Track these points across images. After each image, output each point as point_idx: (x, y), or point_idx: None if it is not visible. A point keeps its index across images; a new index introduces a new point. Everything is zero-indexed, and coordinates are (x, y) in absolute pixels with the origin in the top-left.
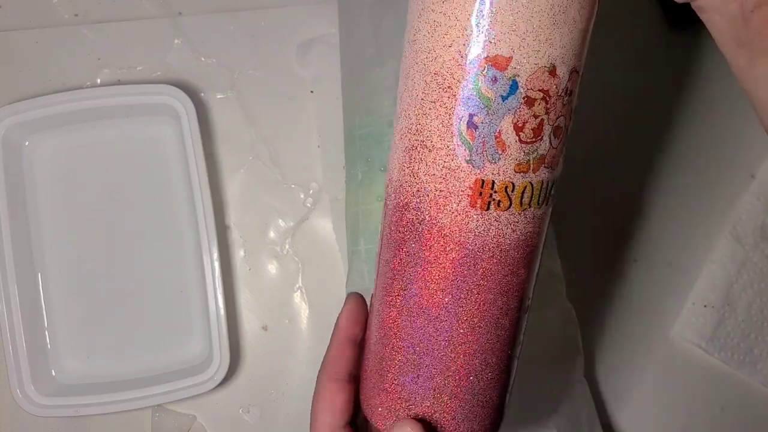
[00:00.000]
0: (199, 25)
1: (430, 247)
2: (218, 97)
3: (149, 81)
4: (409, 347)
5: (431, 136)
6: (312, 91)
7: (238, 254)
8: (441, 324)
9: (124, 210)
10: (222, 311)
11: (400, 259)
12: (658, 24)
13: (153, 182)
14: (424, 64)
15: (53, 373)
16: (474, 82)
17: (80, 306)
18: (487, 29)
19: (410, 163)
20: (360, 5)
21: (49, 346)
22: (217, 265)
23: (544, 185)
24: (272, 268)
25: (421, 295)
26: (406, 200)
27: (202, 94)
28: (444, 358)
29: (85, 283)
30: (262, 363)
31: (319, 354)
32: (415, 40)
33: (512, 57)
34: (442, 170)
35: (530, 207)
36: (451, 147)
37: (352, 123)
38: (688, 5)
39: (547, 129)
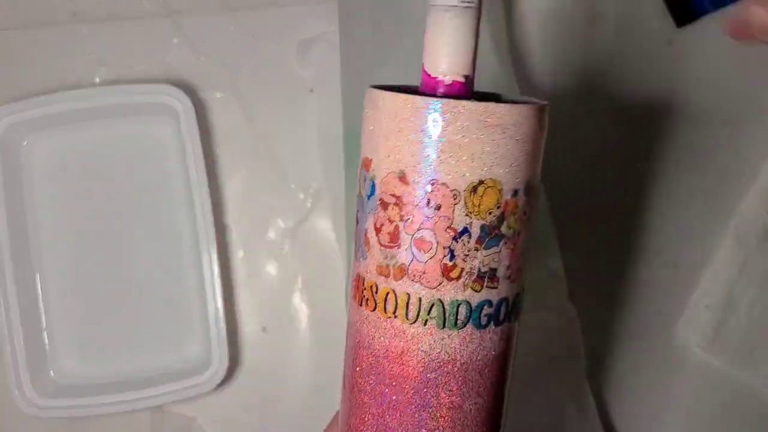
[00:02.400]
0: (198, 24)
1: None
2: (217, 96)
3: (148, 80)
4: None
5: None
6: (312, 91)
7: (237, 254)
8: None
9: (123, 210)
10: (221, 312)
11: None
12: (663, 22)
13: (152, 182)
14: None
15: (51, 374)
16: (358, 180)
17: (79, 306)
18: (363, 132)
19: None
20: (360, 4)
21: (47, 346)
22: (216, 265)
23: (413, 300)
24: (272, 268)
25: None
26: None
27: (201, 94)
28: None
29: (84, 284)
30: (262, 364)
31: (319, 354)
32: None
33: (372, 159)
34: (352, 259)
35: (396, 317)
36: (352, 240)
37: (352, 122)
38: (689, 4)
39: (405, 237)
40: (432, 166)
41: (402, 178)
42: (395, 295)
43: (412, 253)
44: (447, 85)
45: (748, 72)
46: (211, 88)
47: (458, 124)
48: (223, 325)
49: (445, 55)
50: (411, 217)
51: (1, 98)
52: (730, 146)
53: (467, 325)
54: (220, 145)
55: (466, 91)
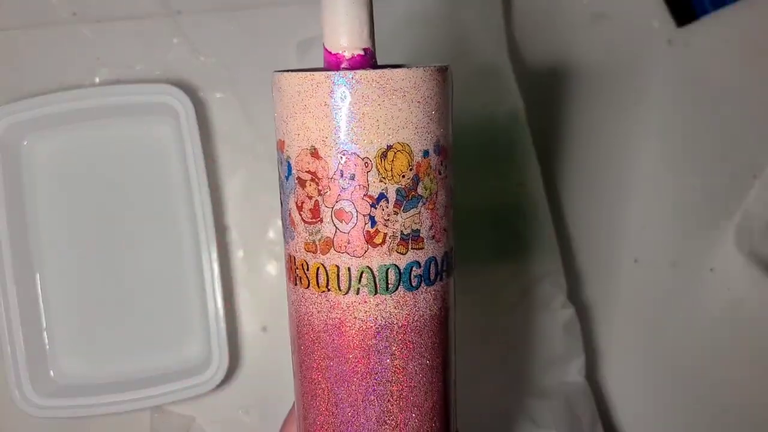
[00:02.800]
0: (198, 24)
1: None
2: (217, 96)
3: (148, 80)
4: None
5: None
6: None
7: (237, 254)
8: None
9: (123, 210)
10: (221, 312)
11: None
12: (663, 22)
13: (152, 182)
14: None
15: (51, 374)
16: (278, 163)
17: (79, 306)
18: (274, 116)
19: None
20: None
21: (47, 346)
22: (216, 265)
23: (343, 271)
24: (271, 268)
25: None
26: None
27: (201, 94)
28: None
29: (84, 284)
30: (262, 364)
31: None
32: None
33: (284, 140)
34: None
35: (329, 290)
36: (282, 224)
37: None
38: (689, 4)
39: (326, 211)
40: (340, 138)
41: (314, 153)
42: (325, 269)
43: (335, 225)
44: (348, 59)
45: (748, 72)
46: (211, 88)
47: (359, 92)
48: (223, 324)
49: (344, 30)
50: (328, 190)
51: (1, 98)
52: (732, 146)
53: (398, 288)
54: (220, 144)
55: (368, 63)
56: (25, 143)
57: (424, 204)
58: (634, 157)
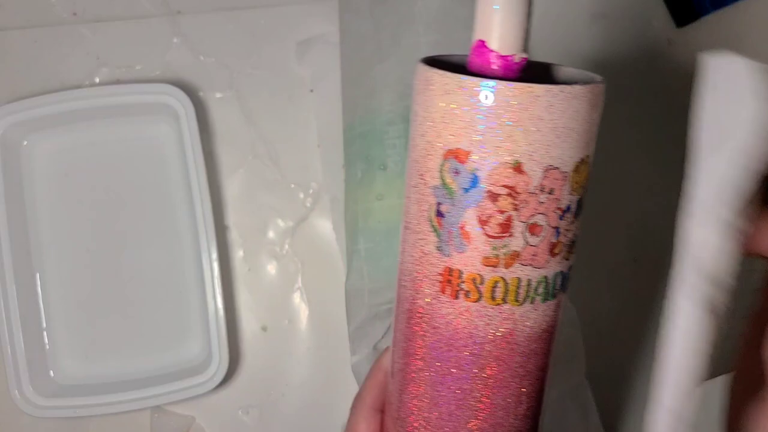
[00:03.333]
0: (198, 24)
1: (411, 323)
2: (217, 96)
3: (148, 80)
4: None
5: (411, 218)
6: (312, 90)
7: (237, 254)
8: (426, 403)
9: (123, 210)
10: (221, 312)
11: (397, 328)
12: (663, 22)
13: (152, 182)
14: (409, 150)
15: (51, 374)
16: (440, 171)
17: (79, 306)
18: (448, 122)
19: (401, 241)
20: (360, 3)
21: (47, 346)
22: (216, 265)
23: (524, 283)
24: (271, 268)
25: (409, 369)
26: (399, 275)
27: (201, 94)
28: None
29: (84, 284)
30: (262, 364)
31: (319, 354)
32: (410, 124)
33: (470, 151)
34: (418, 253)
35: (505, 303)
36: (424, 232)
37: (352, 121)
38: (689, 4)
39: (518, 226)
40: (547, 152)
41: (516, 167)
42: (505, 282)
43: (525, 239)
44: (515, 63)
45: None
46: (211, 88)
47: (573, 108)
48: (223, 324)
49: (518, 31)
50: (525, 205)
51: (1, 98)
52: None
53: (560, 293)
54: (220, 144)
55: (521, 69)
56: (26, 143)
57: (583, 212)
58: (634, 157)
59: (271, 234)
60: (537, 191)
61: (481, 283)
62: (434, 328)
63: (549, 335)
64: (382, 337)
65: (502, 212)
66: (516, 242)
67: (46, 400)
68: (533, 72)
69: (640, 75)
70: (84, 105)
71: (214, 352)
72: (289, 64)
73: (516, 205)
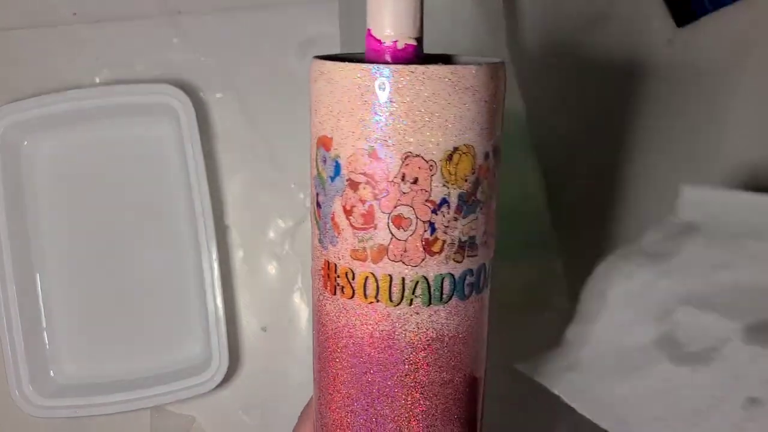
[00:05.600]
0: (198, 24)
1: (313, 320)
2: (217, 96)
3: (148, 80)
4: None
5: (309, 213)
6: None
7: (237, 254)
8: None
9: (123, 210)
10: (221, 312)
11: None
12: (663, 22)
13: (152, 182)
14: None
15: (52, 374)
16: (315, 161)
17: (79, 306)
18: (317, 109)
19: None
20: (361, 4)
21: (47, 346)
22: (216, 265)
23: (396, 281)
24: (272, 268)
25: (313, 369)
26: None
27: (201, 94)
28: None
29: (84, 284)
30: (262, 364)
31: None
32: None
33: (332, 137)
34: (312, 247)
35: (378, 301)
36: (312, 225)
37: None
38: (689, 4)
39: (381, 216)
40: (404, 139)
41: (372, 154)
42: (375, 278)
43: (391, 232)
44: (400, 50)
45: (747, 72)
46: (211, 88)
47: (430, 90)
48: (223, 324)
49: (396, 16)
50: (386, 194)
51: (1, 98)
52: (731, 145)
53: (452, 299)
54: (220, 145)
55: (417, 54)
56: (26, 143)
57: (481, 209)
58: (634, 157)
59: (271, 234)
60: (397, 180)
61: (353, 278)
62: (323, 325)
63: (443, 346)
64: None
65: (363, 202)
66: (381, 235)
67: (46, 400)
68: (433, 62)
69: (639, 75)
70: (84, 105)
71: (214, 352)
72: (289, 65)
73: (376, 194)
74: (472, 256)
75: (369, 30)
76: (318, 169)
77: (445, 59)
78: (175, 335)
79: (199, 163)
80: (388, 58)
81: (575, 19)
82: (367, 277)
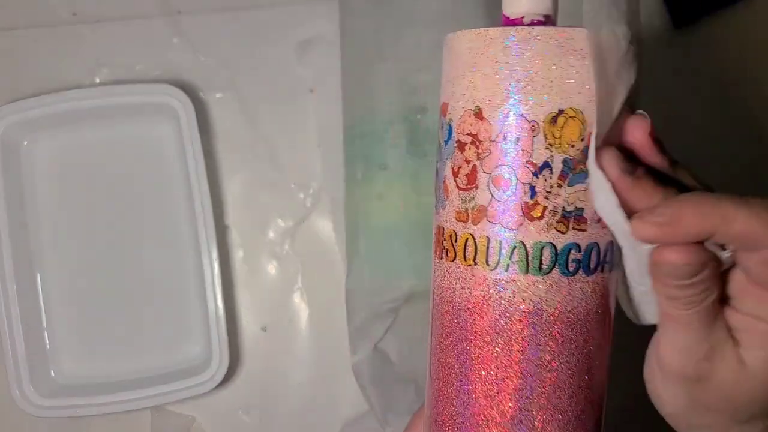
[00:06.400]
0: (197, 24)
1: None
2: (217, 96)
3: (148, 80)
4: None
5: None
6: (312, 90)
7: (238, 254)
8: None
9: (123, 210)
10: (221, 312)
11: None
12: (662, 24)
13: (152, 182)
14: None
15: (52, 374)
16: (440, 130)
17: (79, 306)
18: (441, 80)
19: None
20: (360, 4)
21: (48, 346)
22: (216, 265)
23: (494, 244)
24: (272, 268)
25: (429, 342)
26: None
27: (201, 94)
28: (461, 396)
29: (84, 284)
30: (262, 363)
31: (319, 354)
32: None
33: (448, 102)
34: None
35: (476, 264)
36: (433, 195)
37: (352, 122)
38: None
39: (483, 177)
40: (509, 98)
41: (478, 114)
42: (474, 240)
43: (490, 192)
44: (528, 24)
45: (747, 73)
46: (211, 88)
47: (534, 51)
48: (223, 324)
49: None
50: (488, 154)
51: (1, 98)
52: (731, 146)
53: (552, 271)
54: (220, 144)
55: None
56: (26, 143)
57: (588, 180)
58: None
59: (271, 234)
60: (499, 139)
61: (456, 240)
62: (432, 293)
63: (540, 322)
64: (383, 337)
65: (468, 162)
66: (482, 195)
67: (46, 400)
68: None
69: (639, 75)
70: (84, 105)
71: (214, 352)
72: (289, 65)
73: (479, 153)
74: (578, 230)
75: (503, 12)
76: (438, 137)
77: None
78: (175, 335)
79: (199, 162)
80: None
81: (574, 19)
82: (467, 239)
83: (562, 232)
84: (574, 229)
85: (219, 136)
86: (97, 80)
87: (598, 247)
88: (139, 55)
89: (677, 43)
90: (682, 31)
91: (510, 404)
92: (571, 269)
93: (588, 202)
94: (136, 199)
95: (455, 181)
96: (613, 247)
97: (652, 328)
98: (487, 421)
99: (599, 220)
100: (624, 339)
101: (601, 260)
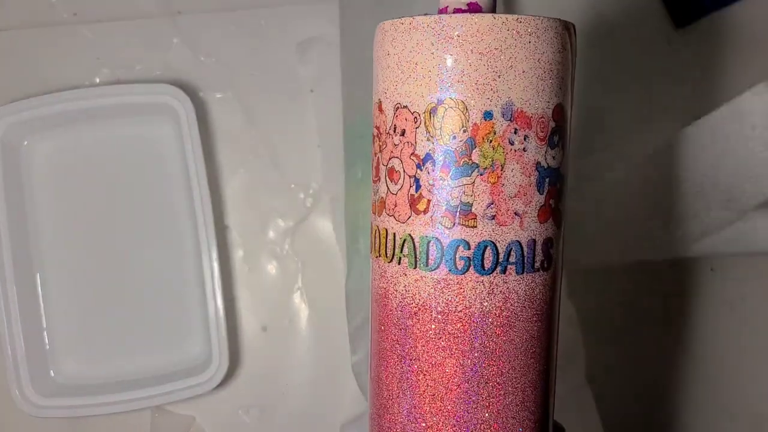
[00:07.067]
0: (198, 24)
1: None
2: (217, 96)
3: (148, 80)
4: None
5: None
6: (312, 91)
7: (238, 254)
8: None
9: (123, 210)
10: (221, 312)
11: None
12: (662, 23)
13: (152, 182)
14: None
15: (52, 374)
16: None
17: (79, 307)
18: None
19: None
20: (361, 4)
21: (47, 346)
22: (216, 265)
23: (389, 236)
24: (272, 268)
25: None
26: None
27: (201, 94)
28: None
29: (84, 284)
30: (262, 363)
31: (319, 354)
32: None
33: (372, 100)
34: None
35: (380, 257)
36: None
37: (352, 121)
38: (688, 6)
39: (382, 169)
40: (396, 90)
41: (379, 106)
42: (377, 231)
43: (386, 184)
44: (454, 10)
45: (747, 73)
46: (212, 88)
47: (414, 39)
48: (223, 324)
49: None
50: (384, 146)
51: (1, 98)
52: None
53: (439, 267)
54: (221, 145)
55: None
56: (26, 143)
57: (480, 174)
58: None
59: (271, 234)
60: (392, 131)
61: (371, 232)
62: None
63: (428, 318)
64: None
65: (375, 155)
66: (382, 188)
67: (46, 400)
68: None
69: (638, 76)
70: (84, 105)
71: (214, 352)
72: (289, 65)
73: (380, 146)
74: (466, 226)
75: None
76: None
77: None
78: (175, 335)
79: (199, 162)
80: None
81: (573, 20)
82: (375, 230)
83: (447, 227)
84: (461, 224)
85: (219, 136)
86: (98, 80)
87: (495, 247)
88: (140, 55)
89: (677, 42)
90: (682, 31)
91: (405, 400)
92: (459, 267)
93: (476, 196)
94: (136, 199)
95: (371, 174)
96: (527, 249)
97: (651, 328)
98: (394, 411)
99: (493, 217)
100: (624, 340)
101: (501, 260)
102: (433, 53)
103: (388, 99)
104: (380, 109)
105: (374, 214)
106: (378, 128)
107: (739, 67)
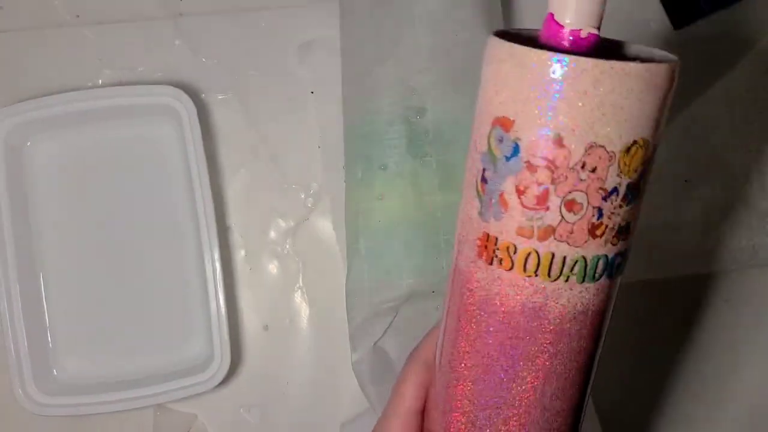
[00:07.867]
0: (199, 26)
1: (452, 284)
2: (219, 97)
3: (150, 82)
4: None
5: (464, 184)
6: (313, 92)
7: (239, 254)
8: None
9: (125, 211)
10: (223, 311)
11: (446, 293)
12: (661, 24)
13: (154, 183)
14: (472, 119)
15: (55, 373)
16: (487, 139)
17: (81, 306)
18: (498, 90)
19: (459, 207)
20: (361, 5)
21: (50, 345)
22: (218, 265)
23: (557, 259)
24: (273, 267)
25: (449, 332)
26: (455, 240)
27: (203, 95)
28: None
29: (87, 283)
30: (263, 362)
31: (320, 353)
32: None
33: (514, 120)
34: (465, 217)
35: (537, 276)
36: (470, 197)
37: (353, 122)
38: (687, 7)
39: (554, 199)
40: (591, 129)
41: (557, 141)
42: (538, 255)
43: (561, 214)
44: (583, 39)
45: (747, 73)
46: (213, 90)
47: (625, 85)
48: (225, 323)
49: (583, 3)
50: (563, 180)
51: (4, 99)
52: (731, 147)
53: (602, 278)
54: (222, 145)
55: (597, 43)
56: (29, 144)
57: (640, 198)
58: None
59: (272, 234)
60: (577, 168)
61: (515, 252)
62: (470, 291)
63: (586, 319)
64: (383, 336)
65: (539, 184)
66: (551, 216)
67: (49, 399)
68: (606, 49)
69: None
70: (87, 106)
71: (216, 351)
72: (290, 66)
73: (554, 179)
74: (624, 240)
75: (551, 14)
76: (490, 147)
77: (616, 45)
78: (178, 334)
79: (200, 163)
80: (566, 44)
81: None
82: (529, 253)
83: (614, 245)
84: (621, 240)
85: (220, 137)
86: (100, 82)
87: (628, 251)
88: (142, 56)
89: (676, 43)
90: (681, 32)
91: (551, 386)
92: (613, 273)
93: (634, 216)
94: (138, 200)
95: (520, 198)
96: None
97: (647, 328)
98: (530, 405)
99: (635, 228)
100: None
101: (628, 260)
102: (638, 98)
103: (576, 136)
104: (560, 144)
105: (525, 237)
106: (551, 161)
107: (739, 67)
